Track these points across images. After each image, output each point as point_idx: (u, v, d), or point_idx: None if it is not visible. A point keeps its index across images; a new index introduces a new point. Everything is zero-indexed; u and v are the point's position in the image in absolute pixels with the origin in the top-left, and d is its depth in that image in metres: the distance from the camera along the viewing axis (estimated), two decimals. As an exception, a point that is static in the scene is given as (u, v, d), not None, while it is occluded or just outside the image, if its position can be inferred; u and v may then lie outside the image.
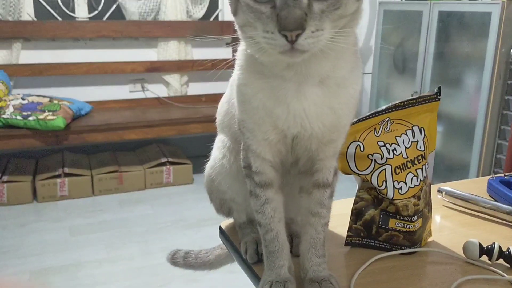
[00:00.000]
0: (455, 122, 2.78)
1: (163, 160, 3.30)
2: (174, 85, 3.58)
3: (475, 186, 1.03)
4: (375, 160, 0.75)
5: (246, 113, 0.67)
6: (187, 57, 3.57)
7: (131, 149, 3.54)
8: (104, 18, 3.39)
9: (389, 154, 0.74)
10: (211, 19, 3.68)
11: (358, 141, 0.75)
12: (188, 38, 3.54)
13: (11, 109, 2.83)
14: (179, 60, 3.53)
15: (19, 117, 2.80)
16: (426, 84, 2.90)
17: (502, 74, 2.47)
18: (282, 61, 0.60)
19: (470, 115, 2.64)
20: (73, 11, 3.33)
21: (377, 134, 0.75)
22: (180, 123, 3.23)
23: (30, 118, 2.80)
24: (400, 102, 0.75)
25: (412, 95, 2.94)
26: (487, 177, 1.02)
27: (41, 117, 2.81)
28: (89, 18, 3.36)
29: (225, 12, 3.66)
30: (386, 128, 0.75)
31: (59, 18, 3.29)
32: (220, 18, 3.70)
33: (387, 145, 0.75)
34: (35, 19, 3.23)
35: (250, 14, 0.57)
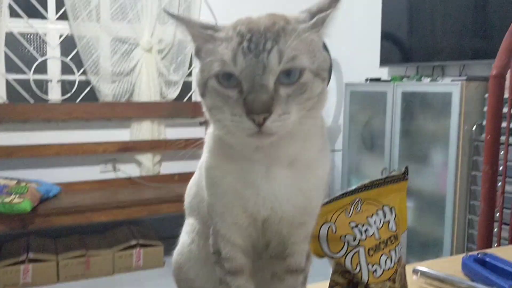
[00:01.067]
0: (425, 198, 2.82)
1: (133, 242, 3.20)
2: (146, 164, 3.56)
3: (449, 265, 1.02)
4: (347, 242, 0.73)
5: (215, 196, 0.66)
6: (160, 137, 3.59)
7: (101, 231, 3.43)
8: (77, 100, 3.42)
9: (361, 235, 0.73)
10: (184, 100, 3.75)
11: (330, 222, 0.74)
12: (161, 118, 3.58)
13: (-25, 192, 2.73)
14: (152, 139, 3.54)
15: (-17, 201, 2.70)
16: (395, 160, 2.97)
17: (467, 151, 2.55)
18: (250, 144, 0.60)
19: (440, 191, 2.68)
20: (46, 93, 3.35)
21: (348, 214, 0.74)
22: (152, 203, 3.17)
23: (-5, 202, 2.70)
24: (369, 182, 0.76)
25: (382, 171, 3.01)
26: (461, 255, 1.02)
27: (6, 200, 2.72)
28: (62, 100, 3.38)
29: (198, 93, 3.74)
30: (357, 209, 0.75)
31: (32, 101, 3.30)
32: (193, 99, 3.78)
33: (359, 226, 0.74)
34: (7, 101, 3.23)
35: (218, 98, 0.58)
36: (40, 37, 3.33)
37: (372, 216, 0.75)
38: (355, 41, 3.78)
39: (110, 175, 3.49)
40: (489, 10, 2.74)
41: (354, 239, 0.73)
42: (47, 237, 3.25)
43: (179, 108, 3.66)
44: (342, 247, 0.73)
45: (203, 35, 0.61)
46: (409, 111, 2.88)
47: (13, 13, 3.24)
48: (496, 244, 1.96)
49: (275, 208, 0.61)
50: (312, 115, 0.58)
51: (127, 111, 3.47)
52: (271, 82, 0.55)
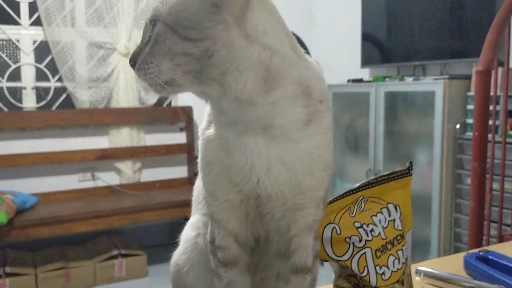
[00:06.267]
0: (411, 198, 2.81)
1: (115, 252, 3.10)
2: (126, 172, 3.47)
3: (450, 264, 0.98)
4: (353, 244, 0.69)
5: (204, 170, 0.63)
6: (139, 143, 3.51)
7: (80, 242, 3.32)
8: (53, 108, 3.32)
9: (367, 235, 0.69)
10: (164, 105, 3.68)
11: (333, 223, 0.69)
12: (140, 124, 3.50)
13: None
14: (131, 146, 3.45)
15: (-45, 214, 2.58)
16: (379, 161, 2.95)
17: (451, 149, 2.55)
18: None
19: (425, 190, 2.67)
20: (21, 102, 3.24)
21: (352, 214, 0.70)
22: (133, 212, 3.09)
23: (-32, 215, 2.59)
24: (373, 179, 0.72)
25: (366, 173, 2.99)
26: (462, 254, 0.98)
27: (-20, 212, 2.60)
28: (38, 108, 3.28)
29: (178, 98, 3.68)
30: (361, 207, 0.71)
31: (6, 109, 3.18)
32: (173, 104, 3.72)
33: (364, 226, 0.70)
34: (-21, 110, 3.11)
35: None
36: (13, 43, 3.22)
37: (376, 215, 0.71)
38: (336, 43, 3.77)
39: (89, 184, 3.39)
40: (465, 10, 2.76)
41: (360, 240, 0.69)
42: (24, 250, 3.13)
43: (159, 114, 3.59)
44: (348, 249, 0.69)
45: None
46: (392, 111, 2.87)
47: (-16, 19, 3.13)
48: (485, 243, 1.96)
49: (253, 180, 0.57)
50: (211, 78, 0.56)
51: (105, 117, 3.38)
52: (145, 35, 0.59)
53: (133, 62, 0.59)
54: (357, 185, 0.71)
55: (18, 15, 3.21)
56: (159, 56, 0.56)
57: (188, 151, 3.63)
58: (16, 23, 3.21)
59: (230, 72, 0.56)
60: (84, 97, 3.32)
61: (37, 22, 3.23)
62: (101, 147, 3.39)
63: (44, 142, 3.24)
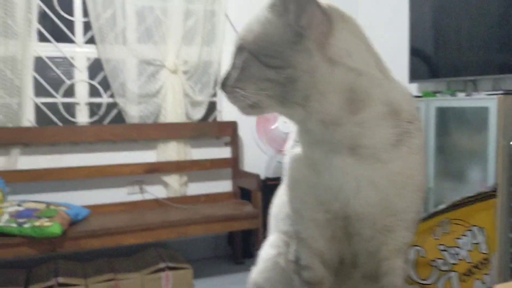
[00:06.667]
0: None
1: (162, 265, 3.14)
2: (173, 185, 3.53)
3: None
4: (438, 267, 0.68)
5: (290, 188, 0.63)
6: (186, 158, 3.56)
7: (128, 254, 3.39)
8: (105, 122, 3.43)
9: (452, 259, 0.68)
10: (210, 120, 3.74)
11: (417, 246, 0.69)
12: (187, 139, 3.56)
13: (6, 216, 2.72)
14: (178, 160, 3.51)
15: (13, 225, 2.68)
16: (430, 178, 2.89)
17: (506, 166, 2.47)
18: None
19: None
20: (74, 117, 3.36)
21: (436, 236, 0.69)
22: (180, 225, 3.13)
23: (26, 226, 2.69)
24: (458, 201, 0.71)
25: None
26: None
27: (37, 224, 2.70)
28: (90, 122, 3.39)
29: (223, 113, 3.73)
30: (445, 230, 0.70)
31: (60, 124, 3.31)
32: (218, 119, 3.77)
33: (449, 249, 0.68)
34: (35, 125, 3.24)
35: None
36: (68, 60, 3.35)
37: (461, 237, 0.70)
38: (383, 58, 3.73)
39: (137, 197, 3.46)
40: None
41: (445, 264, 0.68)
42: (75, 261, 3.21)
43: (205, 129, 3.64)
44: (432, 273, 0.68)
45: None
46: (443, 127, 2.81)
47: (42, 38, 3.27)
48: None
49: (340, 199, 0.57)
50: (295, 102, 0.57)
51: (154, 132, 3.46)
52: (234, 60, 0.64)
53: (223, 86, 0.64)
54: (442, 206, 0.70)
55: (73, 33, 3.35)
56: (246, 81, 0.60)
57: (233, 165, 3.66)
58: (71, 41, 3.35)
59: (313, 95, 0.57)
60: (134, 112, 3.41)
61: (90, 40, 3.35)
62: (149, 161, 3.47)
63: (96, 156, 3.34)
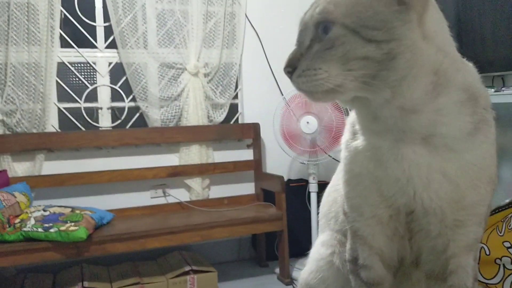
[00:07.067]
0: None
1: (187, 268, 3.12)
2: (196, 188, 3.52)
3: None
4: (504, 265, 0.64)
5: (349, 184, 0.59)
6: (208, 160, 3.55)
7: (152, 257, 3.38)
8: (127, 127, 3.43)
9: (519, 257, 0.64)
10: (231, 122, 3.72)
11: (481, 242, 0.64)
12: (209, 141, 3.55)
13: (32, 221, 2.74)
14: (200, 163, 3.50)
15: (40, 230, 2.69)
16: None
17: (541, 164, 2.39)
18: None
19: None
20: (97, 121, 3.38)
21: (500, 233, 0.65)
22: (204, 228, 3.10)
23: (52, 230, 2.69)
24: (523, 196, 0.66)
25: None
26: None
27: (62, 228, 2.71)
28: (113, 127, 3.40)
29: (245, 115, 3.70)
30: (510, 226, 0.65)
31: (83, 129, 3.33)
32: (240, 121, 3.75)
33: (514, 247, 0.64)
34: (59, 130, 3.26)
35: None
36: (90, 65, 3.37)
37: (527, 234, 0.66)
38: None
39: (161, 200, 3.46)
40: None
41: (511, 262, 0.64)
42: (100, 265, 3.22)
43: (226, 131, 3.62)
44: (498, 272, 0.64)
45: None
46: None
47: (64, 43, 3.30)
48: None
49: (409, 193, 0.53)
50: (386, 83, 0.51)
51: (176, 135, 3.45)
52: (306, 39, 0.56)
53: (292, 68, 0.56)
54: (507, 201, 0.66)
55: (95, 38, 3.37)
56: (331, 61, 0.53)
57: (255, 167, 3.64)
58: (93, 46, 3.36)
59: (408, 76, 0.53)
60: (156, 115, 3.41)
61: (112, 45, 3.37)
62: (172, 164, 3.46)
63: (119, 160, 3.35)
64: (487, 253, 0.64)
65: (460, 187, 0.54)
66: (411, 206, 0.55)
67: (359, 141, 0.58)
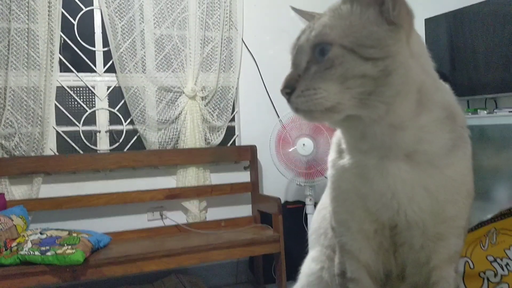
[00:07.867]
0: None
1: (184, 292, 3.11)
2: (193, 211, 3.52)
3: None
4: (487, 279, 0.66)
5: (337, 200, 0.62)
6: (205, 183, 3.56)
7: (149, 281, 3.36)
8: (125, 149, 3.46)
9: (502, 270, 0.66)
10: (228, 144, 3.75)
11: (466, 257, 0.67)
12: (206, 164, 3.57)
13: (29, 244, 2.73)
14: (198, 186, 3.51)
15: (37, 253, 2.69)
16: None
17: (534, 184, 2.42)
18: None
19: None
20: (95, 144, 3.40)
21: (484, 247, 0.67)
22: (201, 251, 3.09)
23: (48, 253, 2.68)
24: (506, 210, 0.69)
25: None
26: None
27: (59, 251, 2.70)
28: (110, 150, 3.42)
29: (242, 138, 3.74)
30: (492, 241, 0.68)
31: (81, 152, 3.35)
32: (237, 143, 3.77)
33: (498, 260, 0.66)
34: (57, 153, 3.28)
35: None
36: (89, 89, 3.41)
37: (510, 248, 0.68)
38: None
39: (158, 223, 3.45)
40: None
41: (495, 275, 0.66)
42: (96, 289, 3.20)
43: (223, 153, 3.65)
44: (482, 285, 0.66)
45: None
46: (466, 145, 2.77)
47: (63, 68, 3.35)
48: None
49: (393, 207, 0.55)
50: (375, 99, 0.54)
51: (173, 158, 3.47)
52: (302, 61, 0.57)
53: (290, 89, 0.57)
54: (489, 216, 0.68)
55: (94, 63, 3.42)
56: (330, 81, 0.55)
57: (252, 189, 3.65)
58: (92, 70, 3.41)
59: (402, 92, 0.56)
60: (153, 138, 3.44)
61: (111, 69, 3.42)
62: (169, 186, 3.47)
63: (116, 182, 3.36)
64: (471, 266, 0.66)
65: (439, 201, 0.57)
66: (395, 220, 0.57)
67: (345, 160, 0.61)
